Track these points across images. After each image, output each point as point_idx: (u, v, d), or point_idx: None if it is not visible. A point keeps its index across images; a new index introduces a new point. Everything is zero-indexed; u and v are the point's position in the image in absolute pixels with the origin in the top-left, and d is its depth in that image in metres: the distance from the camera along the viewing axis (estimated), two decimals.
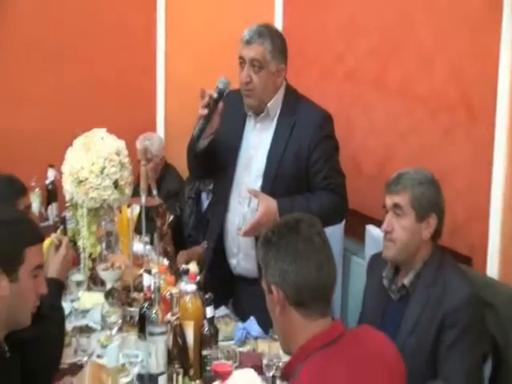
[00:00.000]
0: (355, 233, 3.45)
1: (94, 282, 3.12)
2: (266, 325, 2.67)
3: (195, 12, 4.67)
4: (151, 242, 3.45)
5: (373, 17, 3.35)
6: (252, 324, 2.74)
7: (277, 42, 2.88)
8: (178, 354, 2.39)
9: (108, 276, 3.03)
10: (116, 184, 3.05)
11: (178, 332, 2.40)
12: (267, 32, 2.88)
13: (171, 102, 4.81)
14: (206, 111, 2.83)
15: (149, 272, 2.53)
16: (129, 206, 3.28)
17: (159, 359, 2.35)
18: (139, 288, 2.89)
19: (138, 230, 3.30)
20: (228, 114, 2.95)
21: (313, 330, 1.75)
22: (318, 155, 2.87)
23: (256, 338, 2.70)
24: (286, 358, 2.41)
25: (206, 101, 2.83)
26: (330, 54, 3.62)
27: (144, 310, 2.48)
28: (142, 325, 2.48)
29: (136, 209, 3.37)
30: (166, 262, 3.14)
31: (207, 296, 2.41)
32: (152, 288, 2.41)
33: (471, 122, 2.84)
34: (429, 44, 3.04)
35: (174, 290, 2.40)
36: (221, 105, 2.85)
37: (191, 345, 2.42)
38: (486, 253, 2.76)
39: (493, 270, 2.74)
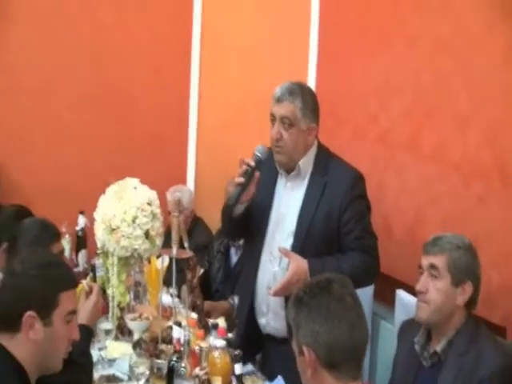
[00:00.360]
0: (385, 297, 3.42)
1: (122, 331, 3.10)
2: None
3: (229, 68, 4.75)
4: (179, 295, 3.41)
5: (408, 78, 3.38)
6: (280, 383, 2.71)
7: (308, 100, 2.89)
8: None
9: (136, 326, 3.01)
10: (147, 234, 3.06)
11: None
12: (299, 90, 2.89)
13: (202, 156, 4.86)
14: (242, 179, 2.85)
15: (179, 324, 2.53)
16: (158, 257, 3.29)
17: None
18: (167, 340, 2.86)
19: (166, 282, 3.29)
20: (260, 172, 2.96)
21: None
22: (349, 215, 2.86)
23: None
24: None
25: (243, 169, 2.85)
26: (364, 114, 3.65)
27: (173, 362, 2.47)
28: (170, 377, 2.47)
29: (165, 260, 3.39)
30: (194, 315, 3.12)
31: (236, 352, 2.39)
32: (182, 341, 2.40)
33: (506, 189, 2.84)
34: (464, 108, 3.06)
35: (204, 344, 2.39)
36: (257, 173, 2.87)
37: None
38: None
39: None
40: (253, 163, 2.85)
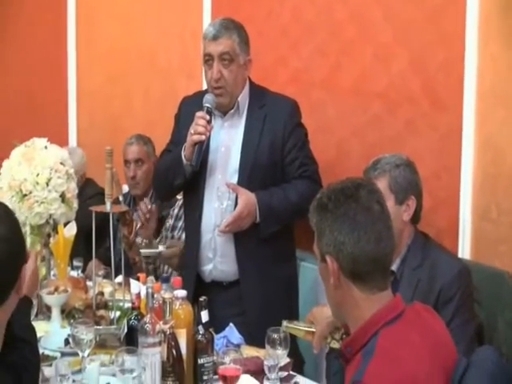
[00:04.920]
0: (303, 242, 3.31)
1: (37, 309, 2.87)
2: (243, 330, 2.60)
3: (107, 26, 4.49)
4: (84, 269, 3.28)
5: (320, 15, 3.29)
6: (232, 331, 2.59)
7: (242, 33, 2.86)
8: (172, 366, 2.21)
9: (54, 300, 2.82)
10: (63, 197, 2.87)
11: (172, 342, 2.21)
12: (233, 25, 2.84)
13: (83, 120, 4.63)
14: (203, 137, 2.74)
15: (137, 279, 2.34)
16: (66, 225, 3.07)
17: (155, 373, 2.16)
18: (100, 306, 2.71)
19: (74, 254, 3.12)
20: (190, 121, 2.83)
21: (374, 305, 1.68)
22: (292, 143, 2.87)
23: (238, 346, 2.55)
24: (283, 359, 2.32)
25: (203, 127, 2.72)
26: (271, 57, 3.50)
27: (132, 321, 2.29)
28: (130, 338, 2.29)
29: (73, 228, 3.18)
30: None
31: (202, 299, 2.25)
32: (142, 295, 2.22)
33: (434, 111, 2.89)
34: (386, 38, 3.04)
35: (167, 295, 2.21)
36: (211, 125, 2.78)
37: (185, 354, 2.25)
38: (457, 236, 2.82)
39: (465, 252, 2.81)
40: (208, 117, 2.74)
